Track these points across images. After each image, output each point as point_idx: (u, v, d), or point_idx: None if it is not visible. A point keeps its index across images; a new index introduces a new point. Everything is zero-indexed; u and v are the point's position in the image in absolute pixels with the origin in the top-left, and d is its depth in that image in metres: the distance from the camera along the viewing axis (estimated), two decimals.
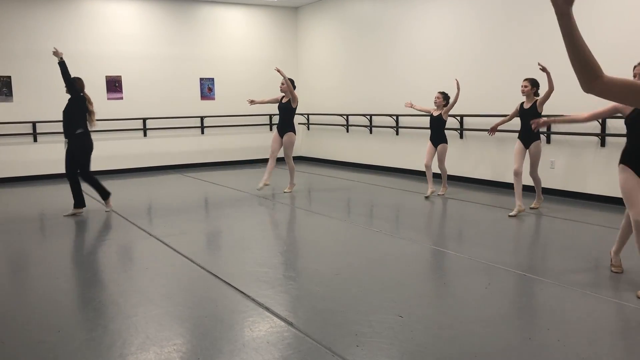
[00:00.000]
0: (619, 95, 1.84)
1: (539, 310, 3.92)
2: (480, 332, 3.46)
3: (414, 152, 10.52)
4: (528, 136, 6.73)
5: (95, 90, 11.16)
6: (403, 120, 10.71)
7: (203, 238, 6.28)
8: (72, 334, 3.54)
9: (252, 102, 8.81)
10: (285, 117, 8.55)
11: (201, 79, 12.42)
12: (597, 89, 1.81)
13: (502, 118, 7.25)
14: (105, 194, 7.32)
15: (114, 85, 11.41)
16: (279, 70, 8.38)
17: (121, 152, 11.68)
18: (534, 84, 6.69)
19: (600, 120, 7.39)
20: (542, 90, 6.71)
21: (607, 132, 7.37)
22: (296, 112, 8.64)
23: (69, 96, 7.05)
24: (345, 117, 12.13)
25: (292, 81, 8.44)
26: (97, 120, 11.17)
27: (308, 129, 13.50)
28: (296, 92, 8.47)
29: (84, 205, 7.30)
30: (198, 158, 12.57)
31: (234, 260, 5.21)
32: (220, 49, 12.57)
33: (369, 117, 11.46)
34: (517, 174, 6.75)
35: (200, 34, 12.32)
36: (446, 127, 8.12)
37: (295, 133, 8.61)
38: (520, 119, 6.84)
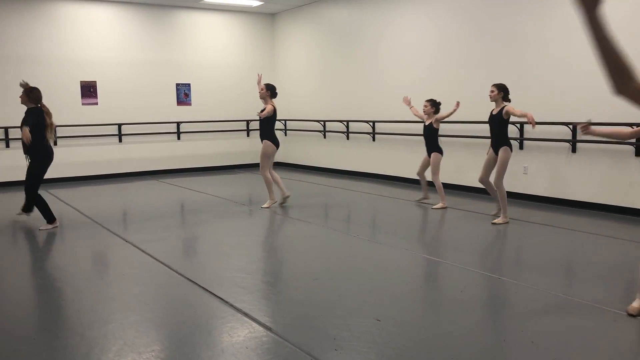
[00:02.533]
0: None
1: (513, 312, 4.00)
2: (456, 334, 3.52)
3: (390, 158, 10.62)
4: (496, 142, 6.70)
5: (69, 96, 11.08)
6: (379, 127, 10.80)
7: (180, 244, 6.24)
8: (47, 342, 3.49)
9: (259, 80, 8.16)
10: (261, 126, 7.93)
11: (177, 85, 12.35)
12: (629, 94, 1.69)
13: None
14: (49, 217, 6.73)
15: (88, 90, 11.29)
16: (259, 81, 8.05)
17: (96, 158, 11.53)
18: (500, 88, 6.60)
19: (571, 127, 7.57)
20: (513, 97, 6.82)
21: (577, 138, 7.55)
22: (276, 119, 7.97)
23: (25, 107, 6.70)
24: (322, 123, 12.18)
25: (272, 88, 7.89)
26: (72, 125, 11.01)
27: (285, 134, 13.51)
28: (274, 99, 7.83)
29: (32, 211, 7.12)
30: (174, 164, 12.48)
31: (211, 266, 5.20)
32: (196, 54, 12.53)
33: (345, 123, 11.54)
34: (481, 181, 6.93)
35: (176, 40, 12.26)
36: (422, 133, 8.16)
37: (274, 143, 7.81)
38: (489, 126, 6.81)
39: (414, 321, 3.76)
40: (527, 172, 8.18)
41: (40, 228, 6.68)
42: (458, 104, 7.34)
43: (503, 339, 3.45)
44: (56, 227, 6.81)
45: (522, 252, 5.80)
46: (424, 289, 4.52)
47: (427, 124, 7.79)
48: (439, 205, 7.75)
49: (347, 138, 11.64)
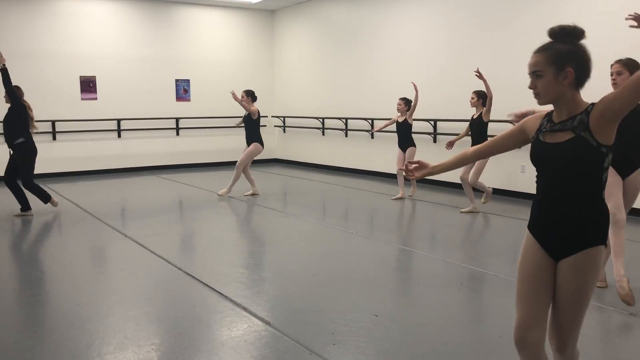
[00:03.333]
0: (496, 150, 2.44)
1: (510, 309, 4.03)
2: (453, 330, 3.56)
3: (388, 156, 10.64)
4: (476, 144, 6.96)
5: (69, 91, 11.07)
6: (378, 124, 10.82)
7: (179, 239, 6.27)
8: (48, 335, 3.53)
9: (233, 94, 8.19)
10: (249, 128, 8.51)
11: (176, 80, 12.36)
12: (480, 158, 2.55)
13: (457, 135, 7.78)
14: (45, 198, 7.33)
15: (88, 85, 11.29)
16: (233, 95, 8.14)
17: (95, 153, 11.54)
18: (480, 95, 7.18)
19: None
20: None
21: None
22: (261, 120, 8.52)
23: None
24: (321, 120, 12.21)
25: (251, 93, 8.39)
26: (71, 120, 11.08)
27: (284, 131, 13.54)
28: (259, 101, 8.27)
29: (30, 208, 7.31)
30: (173, 159, 12.50)
31: (210, 261, 5.23)
32: (196, 50, 12.53)
33: (344, 120, 11.56)
34: (461, 179, 7.28)
35: (176, 36, 12.27)
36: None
37: (262, 144, 8.49)
38: (470, 129, 7.38)
39: (411, 317, 3.79)
40: (524, 171, 8.22)
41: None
42: (415, 86, 7.89)
43: (499, 335, 3.48)
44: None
45: (519, 250, 5.82)
46: (421, 285, 4.56)
47: (401, 121, 8.25)
48: (412, 191, 8.42)
49: (346, 135, 11.66)
